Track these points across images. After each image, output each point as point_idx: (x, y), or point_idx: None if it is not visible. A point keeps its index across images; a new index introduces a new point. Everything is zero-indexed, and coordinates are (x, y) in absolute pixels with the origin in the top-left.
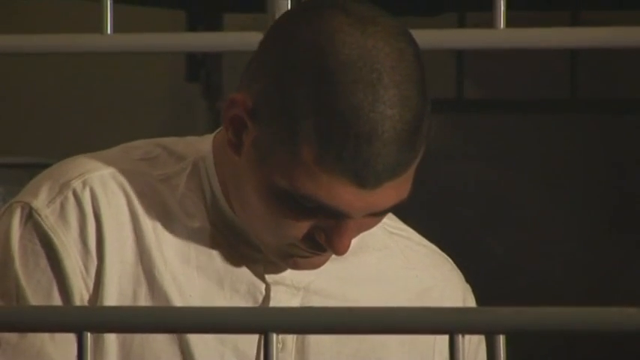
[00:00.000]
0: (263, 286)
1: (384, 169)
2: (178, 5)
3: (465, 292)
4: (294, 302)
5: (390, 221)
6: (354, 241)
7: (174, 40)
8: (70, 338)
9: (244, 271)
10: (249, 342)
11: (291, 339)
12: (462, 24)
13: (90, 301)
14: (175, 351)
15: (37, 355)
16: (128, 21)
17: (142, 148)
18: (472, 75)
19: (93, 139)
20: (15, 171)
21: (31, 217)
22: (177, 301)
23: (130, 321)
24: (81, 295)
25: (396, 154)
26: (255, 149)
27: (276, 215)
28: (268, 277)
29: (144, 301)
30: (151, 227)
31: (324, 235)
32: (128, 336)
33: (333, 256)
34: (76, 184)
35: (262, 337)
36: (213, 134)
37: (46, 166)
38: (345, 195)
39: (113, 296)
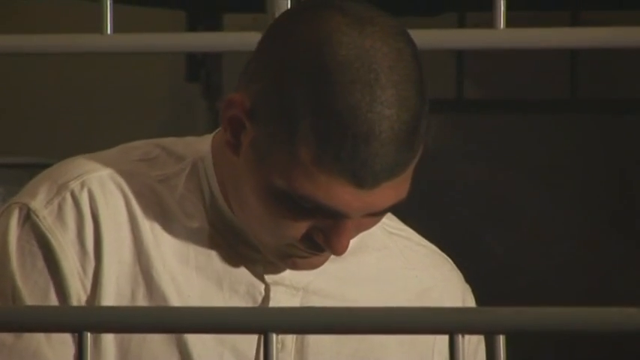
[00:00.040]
0: (262, 286)
1: (381, 169)
2: (178, 5)
3: (465, 293)
4: (294, 302)
5: (390, 221)
6: (353, 242)
7: (174, 40)
8: (67, 340)
9: (243, 272)
10: (248, 342)
11: (290, 339)
12: (462, 24)
13: (87, 302)
14: (173, 351)
15: (32, 356)
16: (128, 21)
17: (141, 149)
18: (472, 75)
19: (93, 139)
20: (15, 171)
21: (28, 218)
22: (175, 302)
23: (131, 321)
24: (78, 296)
25: (394, 154)
26: (253, 149)
27: (275, 215)
28: (267, 278)
29: (142, 301)
30: (149, 228)
31: (323, 236)
32: (126, 337)
33: (333, 256)
34: (74, 185)
35: (262, 337)
36: (212, 134)
37: (46, 166)
38: (343, 195)
39: (111, 297)
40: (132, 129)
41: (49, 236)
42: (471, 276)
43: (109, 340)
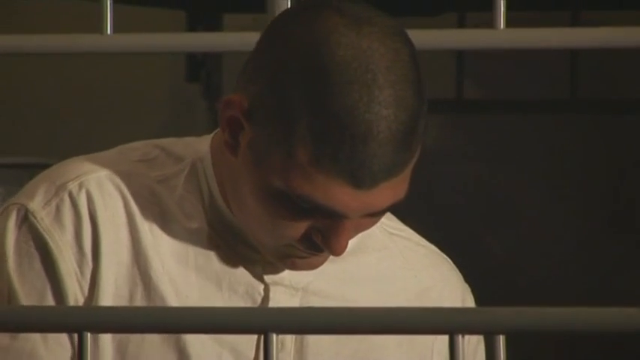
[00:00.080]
0: (261, 286)
1: (379, 169)
2: (178, 5)
3: (464, 292)
4: (293, 303)
5: (389, 222)
6: (353, 242)
7: (174, 40)
8: (63, 341)
9: (242, 272)
10: (247, 342)
11: (290, 339)
12: (462, 24)
13: (84, 303)
14: (172, 352)
15: (28, 357)
16: (128, 21)
17: (140, 150)
18: (472, 75)
19: (93, 140)
20: (15, 171)
21: (26, 219)
22: (173, 302)
23: (132, 321)
24: (75, 297)
25: (392, 155)
26: (251, 150)
27: (273, 216)
28: (267, 278)
29: (140, 302)
30: (148, 228)
31: (321, 236)
32: (124, 338)
33: (332, 256)
34: (72, 186)
35: (262, 337)
36: (212, 135)
37: (46, 166)
38: (341, 196)
39: (109, 298)
40: (132, 129)
41: (47, 237)
42: (471, 276)
43: (106, 342)
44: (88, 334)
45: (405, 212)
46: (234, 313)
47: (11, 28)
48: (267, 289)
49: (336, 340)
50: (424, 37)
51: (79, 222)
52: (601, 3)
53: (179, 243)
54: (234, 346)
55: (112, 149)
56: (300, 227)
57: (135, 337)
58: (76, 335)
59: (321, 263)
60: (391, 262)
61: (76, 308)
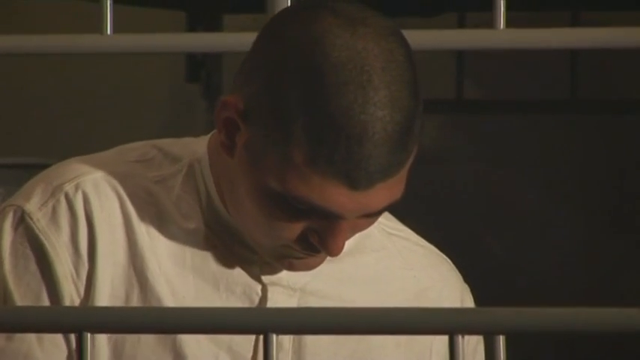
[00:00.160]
0: (259, 287)
1: (375, 170)
2: (178, 5)
3: (463, 293)
4: (291, 303)
5: (388, 222)
6: (351, 242)
7: (174, 40)
8: (59, 342)
9: (240, 273)
10: (245, 343)
11: (288, 339)
12: (462, 24)
13: (81, 304)
14: (168, 353)
15: (24, 358)
16: (128, 21)
17: (138, 150)
18: (472, 75)
19: (93, 140)
20: (15, 171)
21: (22, 221)
22: (170, 303)
23: (131, 321)
24: (71, 298)
25: (388, 155)
26: (247, 151)
27: (270, 217)
28: (264, 278)
29: (136, 303)
30: (145, 229)
31: (318, 237)
32: (120, 339)
33: (330, 257)
34: (69, 187)
35: (260, 337)
36: (209, 135)
37: (45, 166)
38: (337, 196)
39: (105, 299)
40: (132, 129)
41: (43, 239)
42: (471, 276)
43: (102, 342)
44: (88, 335)
45: (404, 212)
46: (233, 313)
47: (11, 28)
48: (264, 290)
49: (334, 340)
50: (424, 37)
51: (75, 223)
52: (601, 3)
53: (176, 243)
54: (231, 346)
55: (109, 150)
56: (297, 228)
57: (131, 338)
58: (72, 336)
59: (319, 264)
60: (390, 262)
61: (76, 308)
